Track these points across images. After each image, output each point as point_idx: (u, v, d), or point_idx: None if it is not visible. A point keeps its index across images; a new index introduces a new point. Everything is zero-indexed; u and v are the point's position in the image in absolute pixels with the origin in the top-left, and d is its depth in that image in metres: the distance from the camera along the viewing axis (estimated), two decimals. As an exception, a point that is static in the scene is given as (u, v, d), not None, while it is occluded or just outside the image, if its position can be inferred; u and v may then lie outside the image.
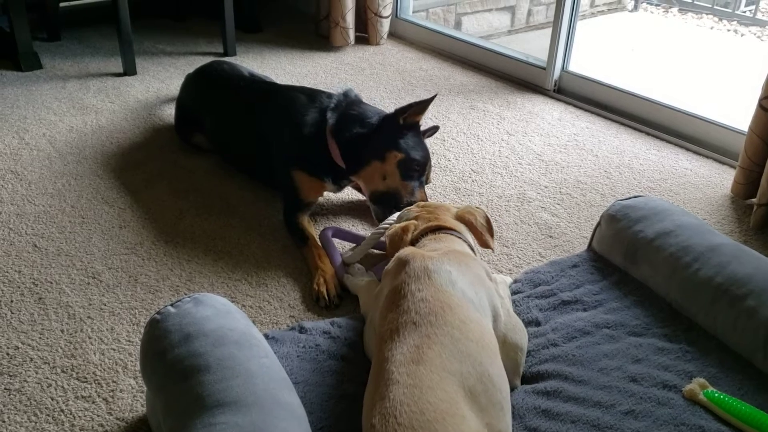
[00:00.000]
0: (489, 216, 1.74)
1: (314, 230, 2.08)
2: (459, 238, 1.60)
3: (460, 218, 1.69)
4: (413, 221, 1.67)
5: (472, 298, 1.38)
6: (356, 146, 2.07)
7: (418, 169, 2.05)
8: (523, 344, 1.50)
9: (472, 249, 1.63)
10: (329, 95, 2.22)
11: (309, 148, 2.11)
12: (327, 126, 2.10)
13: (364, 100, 2.24)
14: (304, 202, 2.12)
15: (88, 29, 3.80)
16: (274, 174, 2.21)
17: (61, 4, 3.68)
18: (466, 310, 1.33)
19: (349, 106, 2.15)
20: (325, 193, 2.25)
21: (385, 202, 2.03)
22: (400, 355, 1.22)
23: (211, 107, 2.46)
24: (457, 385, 1.19)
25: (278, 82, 2.59)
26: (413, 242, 1.62)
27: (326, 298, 1.79)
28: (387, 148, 2.04)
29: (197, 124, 2.52)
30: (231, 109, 2.39)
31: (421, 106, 2.08)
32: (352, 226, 2.17)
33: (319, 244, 1.99)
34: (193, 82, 2.62)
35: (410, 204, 1.93)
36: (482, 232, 1.67)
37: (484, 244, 1.68)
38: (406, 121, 2.08)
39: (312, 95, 2.23)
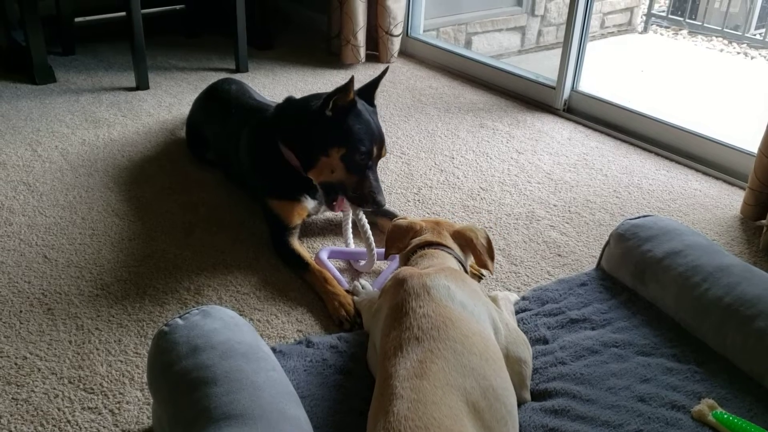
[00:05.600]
0: (491, 238, 1.72)
1: (308, 254, 2.05)
2: (451, 254, 1.62)
3: (461, 235, 1.68)
4: (422, 222, 1.70)
5: (473, 310, 1.39)
6: (303, 144, 2.02)
7: (363, 158, 1.96)
8: (527, 357, 1.49)
9: (464, 267, 1.64)
10: (270, 107, 2.25)
11: (274, 170, 2.09)
12: (278, 138, 2.07)
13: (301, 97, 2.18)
14: (290, 227, 2.08)
15: (102, 44, 3.84)
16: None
17: (76, 19, 3.72)
18: (468, 323, 1.34)
19: (287, 109, 2.13)
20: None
21: (332, 191, 2.00)
22: (403, 370, 1.22)
23: (213, 126, 2.48)
24: (461, 400, 1.18)
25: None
26: (406, 258, 1.64)
27: (348, 319, 1.78)
28: (330, 143, 1.96)
29: (205, 140, 2.54)
30: (226, 129, 2.38)
31: (344, 88, 1.94)
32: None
33: (319, 267, 1.96)
34: (200, 99, 2.65)
35: (359, 192, 1.95)
36: (482, 252, 1.66)
37: (482, 265, 1.67)
38: (338, 107, 1.96)
39: (260, 110, 2.25)
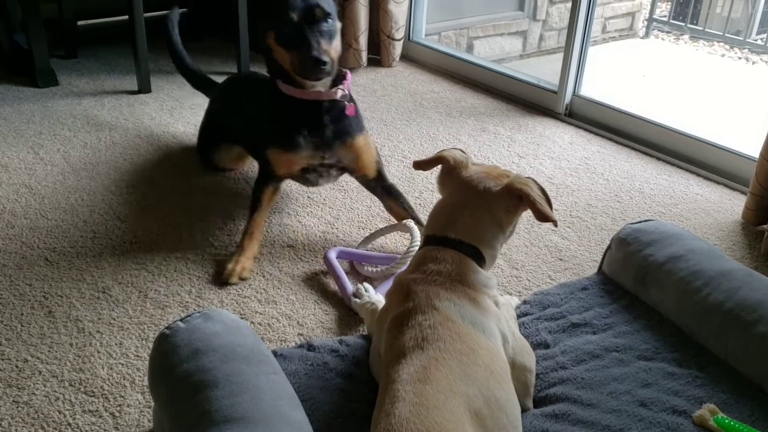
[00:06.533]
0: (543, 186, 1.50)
1: (268, 208, 2.15)
2: (468, 256, 1.44)
3: (512, 189, 1.44)
4: (467, 177, 1.50)
5: (484, 328, 1.35)
6: (268, 58, 2.04)
7: (292, 29, 1.88)
8: (531, 365, 1.49)
9: (483, 260, 1.46)
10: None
11: (273, 114, 2.09)
12: (273, 78, 2.07)
13: None
14: (276, 174, 2.13)
15: (104, 47, 3.85)
16: None
17: (79, 23, 3.73)
18: (476, 338, 1.31)
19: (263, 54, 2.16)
20: (327, 209, 2.23)
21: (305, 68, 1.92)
22: (406, 375, 1.22)
23: (242, 116, 2.40)
24: (464, 407, 1.18)
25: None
26: (415, 268, 1.46)
27: (230, 281, 1.89)
28: (264, 32, 1.97)
29: (229, 135, 2.46)
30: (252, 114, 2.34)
31: None
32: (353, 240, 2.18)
33: (262, 227, 2.08)
34: (225, 90, 2.58)
35: (316, 56, 1.86)
36: (540, 203, 1.42)
37: (544, 219, 1.41)
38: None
39: (261, 77, 2.35)
